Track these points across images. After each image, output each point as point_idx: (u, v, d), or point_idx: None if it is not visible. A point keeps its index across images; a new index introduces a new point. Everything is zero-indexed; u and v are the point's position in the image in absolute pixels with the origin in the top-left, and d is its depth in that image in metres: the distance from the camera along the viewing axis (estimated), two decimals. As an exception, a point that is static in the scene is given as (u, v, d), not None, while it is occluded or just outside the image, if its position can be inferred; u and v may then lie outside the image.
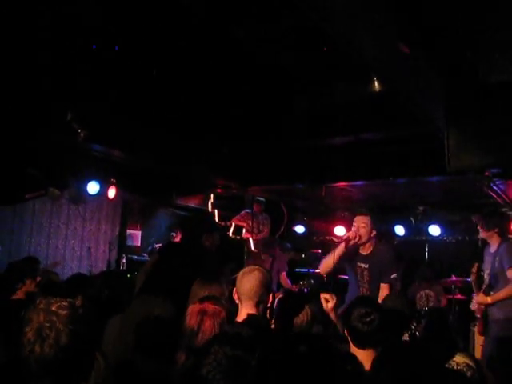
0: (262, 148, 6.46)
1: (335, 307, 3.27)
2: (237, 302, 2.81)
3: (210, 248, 5.88)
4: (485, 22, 3.26)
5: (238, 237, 8.30)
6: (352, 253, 4.39)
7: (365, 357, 2.50)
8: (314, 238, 9.99)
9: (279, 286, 7.19)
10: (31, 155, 5.89)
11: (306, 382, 1.39)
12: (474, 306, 5.25)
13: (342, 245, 4.27)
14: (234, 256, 7.57)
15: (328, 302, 3.25)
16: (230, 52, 4.04)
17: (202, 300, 2.64)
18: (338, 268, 4.41)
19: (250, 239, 8.13)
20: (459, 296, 7.00)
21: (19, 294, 4.27)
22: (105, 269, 7.65)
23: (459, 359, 2.62)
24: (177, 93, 4.87)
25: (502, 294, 4.86)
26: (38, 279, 4.41)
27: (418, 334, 5.58)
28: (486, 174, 5.04)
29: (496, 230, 5.03)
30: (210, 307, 2.52)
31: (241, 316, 2.74)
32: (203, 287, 3.15)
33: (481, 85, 4.06)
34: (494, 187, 5.80)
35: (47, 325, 1.65)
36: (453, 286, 7.03)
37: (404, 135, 5.64)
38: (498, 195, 6.23)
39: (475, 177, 5.36)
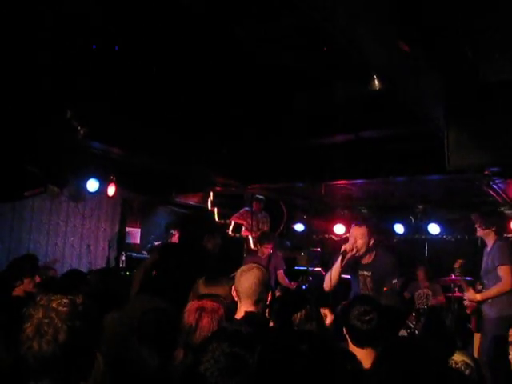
0: (261, 146, 6.45)
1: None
2: (236, 299, 2.82)
3: (212, 250, 5.89)
4: (485, 22, 3.26)
5: (238, 235, 8.31)
6: (353, 263, 4.34)
7: (364, 355, 2.51)
8: (314, 236, 10.00)
9: (277, 283, 7.18)
10: (31, 153, 5.88)
11: (306, 381, 1.40)
12: (466, 302, 5.30)
13: (339, 260, 4.21)
14: (233, 254, 7.59)
15: (327, 317, 3.27)
16: (230, 52, 4.04)
17: (200, 297, 2.65)
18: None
19: (250, 237, 8.14)
20: (458, 294, 7.01)
21: (18, 292, 4.28)
22: (104, 266, 7.68)
23: (458, 358, 2.64)
24: (176, 92, 4.87)
25: (491, 292, 4.90)
26: (38, 279, 4.41)
27: (416, 332, 5.60)
28: (486, 172, 5.06)
29: (493, 229, 5.05)
30: (209, 304, 2.53)
31: (239, 313, 2.75)
32: (208, 287, 3.15)
33: (481, 84, 4.06)
34: (494, 186, 5.82)
35: (46, 321, 1.64)
36: (452, 285, 7.03)
37: (404, 134, 5.64)
38: (498, 194, 6.25)
39: (475, 175, 5.37)
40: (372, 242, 4.33)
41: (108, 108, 5.00)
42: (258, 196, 8.21)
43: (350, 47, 3.08)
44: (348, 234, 8.79)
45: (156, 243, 8.01)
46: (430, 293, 7.47)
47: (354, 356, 1.99)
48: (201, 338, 2.37)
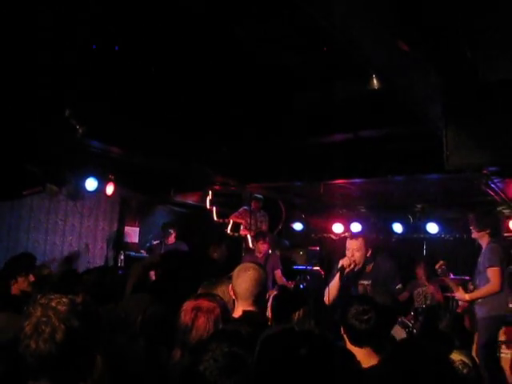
0: (260, 145, 6.45)
1: None
2: (233, 297, 2.82)
3: (218, 259, 5.87)
4: (484, 22, 3.26)
5: (236, 234, 8.32)
6: (352, 276, 4.26)
7: (362, 355, 2.51)
8: (312, 235, 9.99)
9: (274, 283, 7.19)
10: (29, 151, 5.88)
11: (306, 380, 1.40)
12: (460, 301, 5.36)
13: (337, 277, 4.15)
14: (232, 253, 7.59)
15: None
16: (230, 52, 4.04)
17: (197, 297, 2.65)
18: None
19: (248, 236, 8.15)
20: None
21: (14, 290, 4.29)
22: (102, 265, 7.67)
23: (455, 357, 2.64)
24: (176, 91, 4.87)
25: (480, 292, 4.98)
26: (32, 278, 4.40)
27: (415, 331, 5.61)
28: (484, 172, 5.06)
29: (487, 231, 5.10)
30: (205, 304, 2.53)
31: (237, 312, 2.75)
32: (208, 290, 3.14)
33: (479, 83, 4.06)
34: (492, 185, 5.82)
35: (44, 320, 1.64)
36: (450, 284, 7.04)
37: (403, 133, 5.64)
38: (496, 193, 6.25)
39: (473, 175, 5.38)
40: (370, 252, 4.28)
41: (106, 107, 5.00)
42: (256, 195, 8.21)
43: (349, 47, 3.08)
44: (346, 234, 8.82)
45: (154, 242, 8.01)
46: (428, 291, 7.47)
47: (353, 355, 1.99)
48: (197, 338, 2.38)
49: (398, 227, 8.80)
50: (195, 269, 4.24)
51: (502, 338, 5.45)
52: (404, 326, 5.95)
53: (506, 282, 5.03)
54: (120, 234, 8.31)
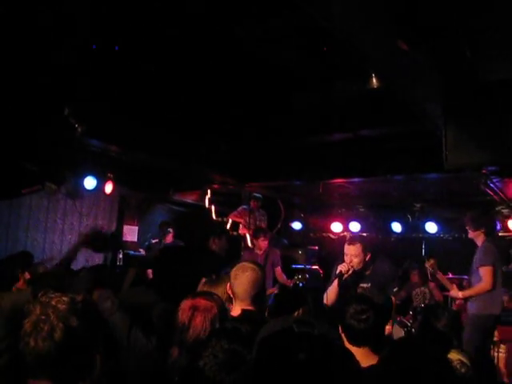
0: (259, 144, 6.46)
1: None
2: (231, 296, 2.83)
3: (218, 252, 5.84)
4: (484, 22, 3.27)
5: (235, 233, 8.32)
6: (351, 280, 4.22)
7: (359, 354, 2.51)
8: (311, 234, 10.02)
9: (275, 281, 7.19)
10: (28, 150, 5.87)
11: (306, 379, 1.40)
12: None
13: (335, 282, 4.13)
14: (231, 252, 7.58)
15: None
16: (230, 51, 4.04)
17: (194, 295, 2.65)
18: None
19: (247, 235, 8.15)
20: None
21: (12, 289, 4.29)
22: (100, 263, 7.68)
23: (453, 356, 2.64)
24: (176, 91, 4.87)
25: (472, 290, 5.05)
26: (28, 276, 4.40)
27: (413, 330, 5.62)
28: (483, 171, 5.08)
29: (482, 231, 5.14)
30: (202, 302, 2.52)
31: (235, 311, 2.76)
32: (210, 289, 3.15)
33: (479, 83, 4.07)
34: (491, 185, 5.84)
35: (43, 318, 1.63)
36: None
37: (402, 132, 5.66)
38: (495, 193, 6.27)
39: (472, 174, 5.39)
40: (368, 256, 4.24)
41: (106, 106, 5.00)
42: (255, 194, 8.21)
43: (348, 47, 3.09)
44: (345, 233, 8.81)
45: (153, 241, 8.01)
46: (427, 291, 7.48)
47: (352, 355, 1.99)
48: (194, 337, 2.39)
49: (396, 226, 8.81)
50: (193, 266, 4.25)
51: (497, 337, 5.48)
52: (403, 325, 5.97)
53: (500, 281, 5.06)
54: (119, 232, 8.31)
